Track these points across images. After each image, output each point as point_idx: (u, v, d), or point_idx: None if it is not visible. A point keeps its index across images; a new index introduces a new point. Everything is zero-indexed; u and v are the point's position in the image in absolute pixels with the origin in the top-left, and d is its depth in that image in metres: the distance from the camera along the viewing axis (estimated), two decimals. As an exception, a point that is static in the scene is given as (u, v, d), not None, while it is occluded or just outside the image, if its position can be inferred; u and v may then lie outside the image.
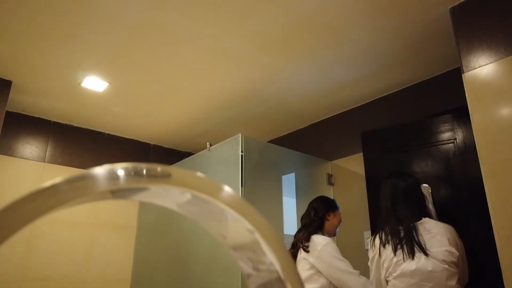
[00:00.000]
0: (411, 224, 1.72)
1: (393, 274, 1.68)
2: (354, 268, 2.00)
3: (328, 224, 2.17)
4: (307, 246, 2.03)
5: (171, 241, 3.26)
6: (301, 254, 2.06)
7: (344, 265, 1.96)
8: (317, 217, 2.16)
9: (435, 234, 1.69)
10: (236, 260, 0.43)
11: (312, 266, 1.99)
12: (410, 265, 1.64)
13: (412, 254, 1.65)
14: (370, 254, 1.85)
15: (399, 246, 1.69)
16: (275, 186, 3.02)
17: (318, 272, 1.98)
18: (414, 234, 1.69)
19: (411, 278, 1.62)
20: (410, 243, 1.67)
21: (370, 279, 1.86)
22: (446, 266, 1.62)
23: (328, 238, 2.09)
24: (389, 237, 1.74)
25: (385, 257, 1.73)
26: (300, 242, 2.08)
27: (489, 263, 1.86)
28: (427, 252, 1.64)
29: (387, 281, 1.74)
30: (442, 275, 1.61)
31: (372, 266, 1.82)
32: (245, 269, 0.43)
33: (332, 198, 2.39)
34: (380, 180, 2.36)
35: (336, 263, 1.96)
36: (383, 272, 1.74)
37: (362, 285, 1.90)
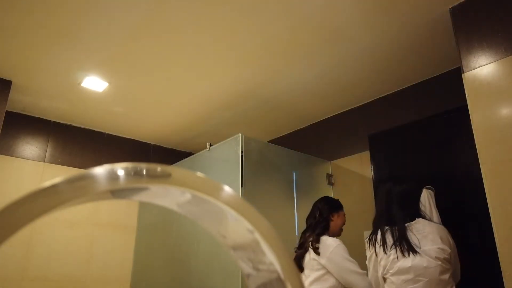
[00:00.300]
0: (405, 225, 1.82)
1: (390, 271, 1.76)
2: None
3: (332, 225, 2.19)
4: (318, 248, 2.06)
5: (171, 241, 3.26)
6: (311, 255, 2.08)
7: (353, 265, 2.01)
8: (322, 218, 2.19)
9: (428, 233, 1.79)
10: (236, 260, 0.43)
11: (323, 267, 2.03)
12: (405, 262, 1.73)
13: (407, 252, 1.74)
14: (368, 254, 1.93)
15: (393, 246, 1.78)
16: (277, 185, 3.01)
17: (328, 272, 2.02)
18: (407, 234, 1.79)
19: (407, 274, 1.71)
20: (405, 242, 1.77)
21: (369, 277, 1.93)
22: (440, 262, 1.71)
23: (338, 239, 2.12)
24: (385, 237, 1.84)
25: (381, 256, 1.83)
26: (309, 243, 2.11)
27: (489, 263, 1.86)
28: (421, 250, 1.74)
29: (384, 279, 1.82)
30: (436, 270, 1.70)
31: (370, 265, 1.91)
32: (245, 269, 0.43)
33: (336, 198, 2.40)
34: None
35: (346, 264, 2.00)
36: (380, 270, 1.83)
37: (368, 284, 1.95)
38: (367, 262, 1.94)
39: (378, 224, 1.93)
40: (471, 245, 2.07)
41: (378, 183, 2.38)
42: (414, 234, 1.78)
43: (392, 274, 1.75)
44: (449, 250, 1.75)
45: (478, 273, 2.02)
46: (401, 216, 1.86)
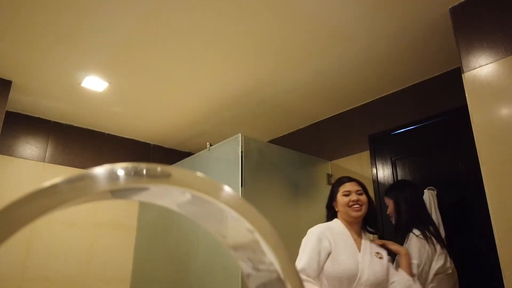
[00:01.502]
0: (436, 226, 1.96)
1: (448, 271, 1.84)
2: None
3: (339, 214, 1.84)
4: None
5: (171, 241, 3.26)
6: None
7: (298, 261, 1.71)
8: (326, 210, 1.94)
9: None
10: (236, 260, 0.43)
11: None
12: (451, 264, 1.86)
13: (449, 254, 1.87)
14: (419, 250, 1.91)
15: (443, 246, 1.89)
16: (277, 185, 3.01)
17: None
18: (440, 234, 1.94)
19: (454, 275, 1.85)
20: (443, 242, 1.90)
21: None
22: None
23: (316, 227, 1.80)
24: (431, 235, 1.91)
25: (438, 252, 1.89)
26: None
27: (489, 263, 1.86)
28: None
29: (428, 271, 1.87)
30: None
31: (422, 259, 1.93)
32: (245, 269, 0.43)
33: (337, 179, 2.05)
34: (386, 182, 2.72)
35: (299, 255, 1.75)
36: (437, 263, 1.88)
37: None
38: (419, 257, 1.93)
39: (412, 225, 1.95)
40: (471, 245, 2.07)
41: (379, 183, 2.42)
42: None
43: (445, 273, 1.84)
44: None
45: (478, 273, 2.02)
46: (429, 218, 1.99)
